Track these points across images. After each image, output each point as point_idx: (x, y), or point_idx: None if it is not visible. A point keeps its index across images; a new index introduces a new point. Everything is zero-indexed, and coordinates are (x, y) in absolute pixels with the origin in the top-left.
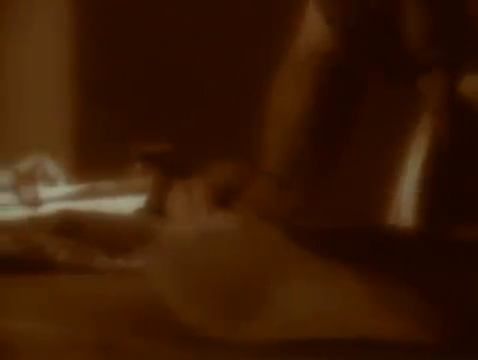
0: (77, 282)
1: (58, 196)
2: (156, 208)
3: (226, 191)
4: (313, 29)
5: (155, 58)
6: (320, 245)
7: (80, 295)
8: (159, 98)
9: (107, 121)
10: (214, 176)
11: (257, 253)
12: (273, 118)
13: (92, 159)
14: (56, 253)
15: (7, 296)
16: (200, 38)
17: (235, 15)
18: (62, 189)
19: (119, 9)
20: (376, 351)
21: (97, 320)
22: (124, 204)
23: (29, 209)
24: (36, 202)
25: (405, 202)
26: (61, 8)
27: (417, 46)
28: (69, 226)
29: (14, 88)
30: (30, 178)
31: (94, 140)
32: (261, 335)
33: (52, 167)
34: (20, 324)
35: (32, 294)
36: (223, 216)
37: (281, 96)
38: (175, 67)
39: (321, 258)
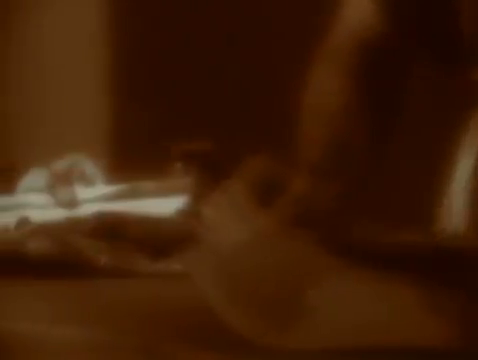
0: (117, 286)
1: (96, 197)
2: (197, 209)
3: (266, 189)
4: (355, 12)
5: (194, 56)
6: (364, 253)
7: (121, 299)
8: (199, 96)
9: (146, 120)
10: (253, 174)
11: (300, 260)
12: (312, 108)
13: (130, 159)
14: (95, 256)
15: (45, 300)
16: (239, 33)
17: (273, 10)
18: (100, 190)
19: (157, 5)
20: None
21: (139, 325)
22: (164, 205)
23: (66, 210)
24: (73, 203)
25: (455, 207)
26: (97, 6)
27: (473, 29)
28: (108, 228)
29: (51, 87)
30: (67, 178)
31: (133, 139)
32: (305, 343)
33: (89, 167)
34: (60, 329)
35: (72, 299)
36: (263, 220)
37: (320, 85)
38: (215, 64)
39: (365, 265)
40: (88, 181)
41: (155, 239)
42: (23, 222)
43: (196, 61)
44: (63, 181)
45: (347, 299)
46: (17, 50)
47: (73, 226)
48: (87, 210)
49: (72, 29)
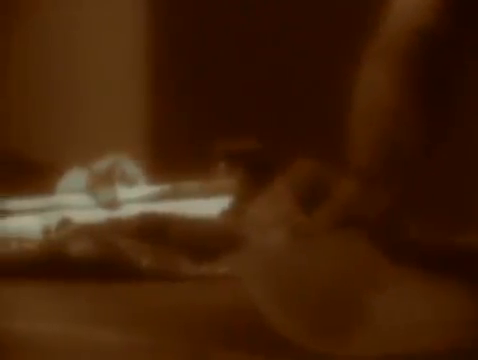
0: (161, 289)
1: (138, 197)
2: (241, 210)
3: (313, 192)
4: (409, 2)
5: (238, 53)
6: (417, 254)
7: (166, 303)
8: (243, 95)
9: (188, 120)
10: (300, 176)
11: (350, 262)
12: (362, 106)
13: (172, 159)
14: (138, 259)
15: (87, 302)
16: (286, 29)
17: (320, 5)
18: (142, 190)
19: (198, 3)
20: None
21: (184, 329)
22: (207, 206)
23: (107, 211)
24: (114, 204)
25: None
26: (136, 5)
27: None
28: (151, 230)
29: (91, 87)
30: (108, 179)
31: (174, 139)
32: (357, 348)
33: (131, 167)
34: (102, 332)
35: (115, 301)
36: (312, 222)
37: (370, 81)
38: (258, 61)
39: (419, 267)
40: (129, 181)
41: (199, 241)
42: (64, 223)
43: (239, 59)
44: (104, 181)
45: (402, 302)
46: (57, 50)
47: (115, 227)
48: (129, 211)
49: (113, 29)
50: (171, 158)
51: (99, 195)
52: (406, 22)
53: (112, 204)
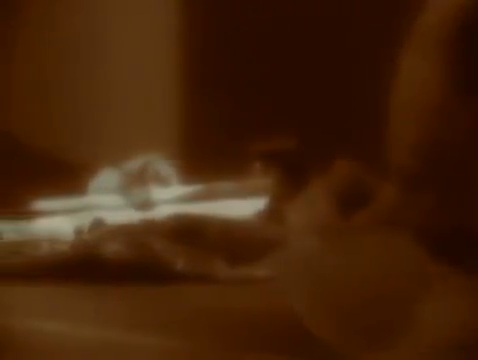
0: (197, 291)
1: (171, 198)
2: (277, 211)
3: (351, 194)
4: None
5: (272, 51)
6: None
7: (201, 306)
8: (278, 94)
9: (221, 119)
10: (338, 177)
11: (392, 262)
12: (402, 102)
13: (207, 159)
14: (173, 260)
15: (120, 304)
16: (323, 25)
17: (356, 6)
18: (175, 190)
19: (232, 1)
20: None
21: (220, 332)
22: (243, 207)
23: (140, 212)
24: (147, 204)
25: None
26: (169, 4)
27: None
28: (186, 231)
29: (123, 87)
30: (141, 179)
31: (209, 139)
32: (401, 349)
33: (164, 167)
34: (136, 334)
35: (149, 303)
36: (350, 224)
37: (410, 75)
38: (294, 59)
39: (460, 270)
40: (163, 182)
41: (234, 243)
42: (97, 224)
43: (276, 57)
44: (137, 182)
45: (447, 300)
46: (90, 50)
47: (149, 228)
48: (163, 212)
49: (145, 28)
50: (205, 158)
51: (132, 195)
52: (446, 13)
53: (145, 205)
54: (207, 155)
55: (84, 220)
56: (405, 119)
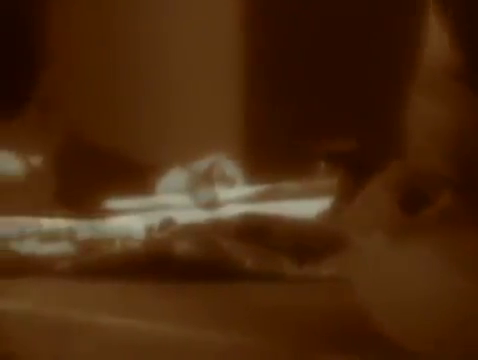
0: (266, 290)
1: (237, 198)
2: (342, 211)
3: (412, 193)
4: (437, 44)
5: (334, 53)
6: None
7: (270, 304)
8: (340, 94)
9: (287, 119)
10: (399, 176)
11: (458, 262)
12: (420, 138)
13: (272, 159)
14: (242, 259)
15: (193, 304)
16: (379, 28)
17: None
18: (241, 190)
19: (292, 3)
20: None
21: (289, 330)
22: (307, 206)
23: (207, 211)
24: (214, 204)
25: None
26: (231, 5)
27: None
28: (254, 230)
29: (190, 88)
30: (207, 179)
31: (274, 139)
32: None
33: (230, 167)
34: (206, 332)
35: (219, 301)
36: (414, 221)
37: (425, 114)
38: (355, 60)
39: None
40: (229, 181)
41: (301, 242)
42: (167, 223)
43: (338, 58)
44: (204, 182)
45: None
46: (154, 50)
47: (217, 227)
48: (230, 211)
49: (208, 28)
50: (269, 159)
51: (199, 195)
52: (439, 66)
53: (212, 204)
54: (272, 155)
55: (154, 219)
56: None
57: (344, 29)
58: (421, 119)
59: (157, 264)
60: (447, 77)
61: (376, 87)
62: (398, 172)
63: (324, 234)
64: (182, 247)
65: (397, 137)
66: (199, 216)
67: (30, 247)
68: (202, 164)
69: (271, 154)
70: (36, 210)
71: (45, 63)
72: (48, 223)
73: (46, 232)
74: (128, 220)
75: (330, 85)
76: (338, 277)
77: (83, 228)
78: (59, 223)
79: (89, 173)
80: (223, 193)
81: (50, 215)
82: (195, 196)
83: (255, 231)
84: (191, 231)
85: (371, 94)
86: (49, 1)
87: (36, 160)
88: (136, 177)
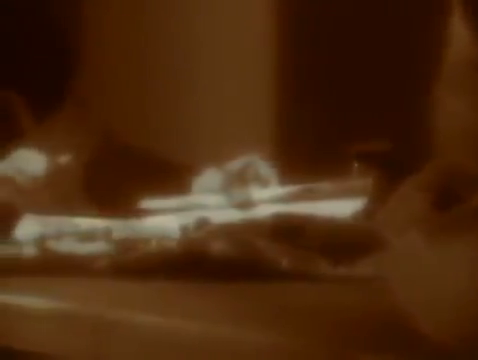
0: (301, 289)
1: (271, 198)
2: (376, 212)
3: (446, 194)
4: (461, 41)
5: (366, 54)
6: None
7: (306, 304)
8: (373, 94)
9: (321, 120)
10: (432, 176)
11: None
12: (447, 137)
13: (306, 159)
14: (277, 259)
15: (227, 301)
16: (414, 29)
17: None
18: (275, 190)
19: (325, 5)
20: None
21: (325, 330)
22: (341, 207)
23: (241, 211)
24: (248, 204)
25: None
26: (263, 6)
27: None
28: (289, 230)
29: (224, 88)
30: (241, 179)
31: (308, 139)
32: None
33: (264, 167)
34: (243, 331)
35: (255, 301)
36: (449, 220)
37: (451, 112)
38: (387, 62)
39: None
40: (263, 182)
41: (335, 242)
42: (202, 222)
43: (369, 59)
44: (238, 182)
45: None
46: (187, 50)
47: (251, 227)
48: (264, 211)
49: (242, 29)
50: (303, 159)
51: (233, 195)
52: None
53: (246, 204)
54: (305, 156)
55: (189, 219)
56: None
57: (374, 30)
58: (450, 117)
59: (193, 263)
60: (473, 73)
61: (408, 87)
62: (431, 172)
63: (358, 234)
64: (217, 247)
65: (429, 136)
66: (233, 216)
67: (68, 247)
68: (236, 164)
69: (305, 154)
70: (72, 210)
71: (80, 64)
72: (85, 223)
73: (83, 232)
74: (163, 220)
75: (363, 85)
76: (373, 276)
77: (119, 228)
78: (96, 223)
79: (125, 173)
80: (257, 193)
81: (87, 215)
82: (229, 196)
83: (289, 231)
84: (226, 231)
85: (404, 94)
86: (83, 4)
87: (72, 160)
88: (171, 177)
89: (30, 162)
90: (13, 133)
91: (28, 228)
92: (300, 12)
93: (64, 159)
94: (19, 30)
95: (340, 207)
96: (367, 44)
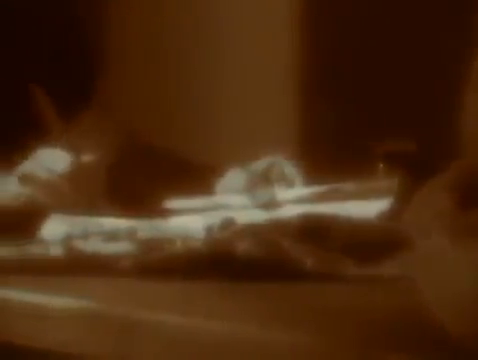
0: (326, 290)
1: (296, 198)
2: (401, 212)
3: (471, 194)
4: None
5: (391, 55)
6: None
7: (332, 304)
8: (398, 94)
9: (346, 119)
10: (459, 177)
11: None
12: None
13: (330, 159)
14: (302, 259)
15: (254, 303)
16: (440, 28)
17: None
18: (299, 191)
19: (348, 3)
20: None
21: (351, 330)
22: (366, 207)
23: (265, 211)
24: (273, 204)
25: None
26: (290, 7)
27: None
28: (314, 231)
29: (248, 90)
30: (266, 179)
31: (332, 139)
32: None
33: (288, 167)
34: (269, 332)
35: (281, 301)
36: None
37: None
38: (411, 63)
39: None
40: (287, 182)
41: (361, 242)
42: (227, 223)
43: (394, 59)
44: (262, 182)
45: None
46: (210, 51)
47: (276, 228)
48: (289, 211)
49: (265, 30)
50: (328, 159)
51: (257, 195)
52: None
53: (270, 204)
54: (330, 156)
55: (214, 219)
56: None
57: (401, 30)
58: (477, 117)
59: (218, 264)
60: None
61: (434, 87)
62: (456, 172)
63: (384, 234)
64: (242, 247)
65: (455, 137)
66: (258, 216)
67: (94, 246)
68: (260, 164)
69: (329, 154)
70: (97, 210)
71: (104, 65)
72: (110, 223)
73: (108, 231)
74: (188, 220)
75: (388, 85)
76: (399, 277)
77: (144, 228)
78: (121, 223)
79: (149, 173)
80: (281, 193)
81: (112, 215)
82: (253, 196)
83: (315, 231)
84: (251, 231)
85: (429, 94)
86: (108, 6)
87: (97, 160)
88: (195, 177)
89: (56, 162)
90: (39, 132)
91: (54, 228)
92: (325, 11)
93: (89, 159)
94: (45, 32)
95: (365, 207)
96: (394, 43)
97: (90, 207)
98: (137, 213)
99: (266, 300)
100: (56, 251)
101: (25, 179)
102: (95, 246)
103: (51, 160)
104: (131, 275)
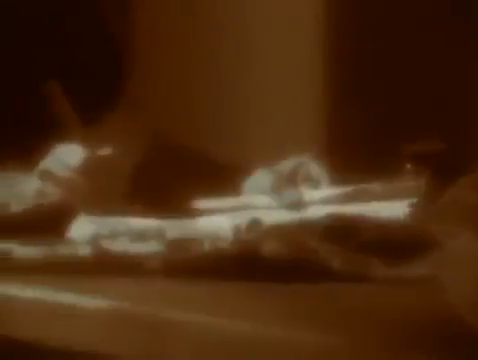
0: (354, 290)
1: (322, 198)
2: (429, 213)
3: None
4: None
5: (418, 55)
6: None
7: (359, 305)
8: (428, 94)
9: (374, 119)
10: None
11: None
12: None
13: (357, 159)
14: (330, 260)
15: (281, 304)
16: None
17: None
18: (326, 191)
19: (373, 3)
20: None
21: (378, 331)
22: (394, 208)
23: (292, 212)
24: (299, 205)
25: None
26: (314, 6)
27: None
28: (341, 231)
29: (274, 89)
30: (292, 180)
31: (360, 139)
32: None
33: (315, 168)
34: (295, 332)
35: (307, 302)
36: None
37: None
38: (438, 63)
39: None
40: (314, 182)
41: (389, 243)
42: (255, 223)
43: (421, 60)
44: (289, 182)
45: None
46: (236, 52)
47: (303, 228)
48: (315, 212)
49: (290, 29)
50: (355, 159)
51: (284, 196)
52: None
53: (297, 205)
54: (357, 156)
55: (241, 219)
56: None
57: (429, 28)
58: None
59: (246, 264)
60: None
61: (464, 87)
62: None
63: (411, 235)
64: (269, 248)
65: None
66: (285, 217)
67: (122, 246)
68: (287, 165)
69: (356, 155)
70: (125, 210)
71: (132, 66)
72: (138, 223)
73: (136, 231)
74: (215, 220)
75: (417, 84)
76: (427, 277)
77: (172, 228)
78: (149, 223)
79: (176, 173)
80: (308, 194)
81: (140, 215)
82: (280, 197)
83: (342, 232)
84: (278, 232)
85: (458, 94)
86: (135, 7)
87: (125, 161)
88: (221, 178)
89: (74, 159)
90: (59, 131)
91: (83, 228)
92: (351, 10)
93: (117, 159)
94: (73, 34)
95: (393, 208)
96: (421, 43)
97: (111, 205)
98: (165, 213)
99: (293, 301)
100: (84, 251)
101: (44, 175)
102: (123, 246)
103: (80, 162)
104: (159, 275)
